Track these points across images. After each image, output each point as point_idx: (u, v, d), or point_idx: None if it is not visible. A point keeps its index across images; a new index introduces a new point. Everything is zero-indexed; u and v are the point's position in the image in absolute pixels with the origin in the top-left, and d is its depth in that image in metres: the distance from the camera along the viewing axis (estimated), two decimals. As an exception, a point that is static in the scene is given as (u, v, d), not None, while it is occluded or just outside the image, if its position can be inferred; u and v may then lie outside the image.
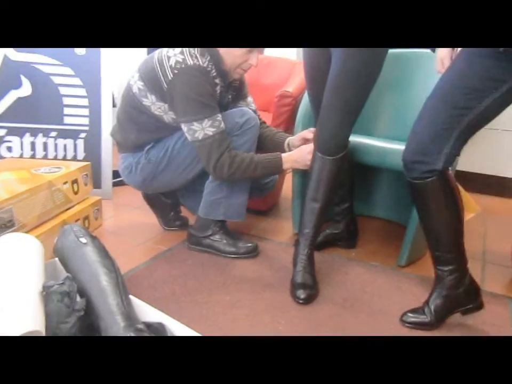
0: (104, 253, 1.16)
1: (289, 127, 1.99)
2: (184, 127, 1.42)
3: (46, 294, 1.00)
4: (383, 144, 1.58)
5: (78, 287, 1.05)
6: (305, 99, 1.79)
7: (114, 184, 2.25)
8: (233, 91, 1.58)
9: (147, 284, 1.40)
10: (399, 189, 2.01)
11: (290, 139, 1.61)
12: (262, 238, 1.80)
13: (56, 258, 1.22)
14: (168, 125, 1.52)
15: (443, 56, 1.14)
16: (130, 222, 1.92)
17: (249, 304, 1.32)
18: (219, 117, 1.42)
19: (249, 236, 1.80)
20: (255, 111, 1.65)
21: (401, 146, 1.54)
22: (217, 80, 1.47)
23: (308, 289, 1.35)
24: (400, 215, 2.05)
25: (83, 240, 1.17)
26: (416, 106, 1.70)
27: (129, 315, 1.02)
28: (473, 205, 1.32)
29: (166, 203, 1.81)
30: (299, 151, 1.49)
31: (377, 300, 1.38)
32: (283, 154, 1.48)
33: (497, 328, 1.28)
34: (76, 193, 1.70)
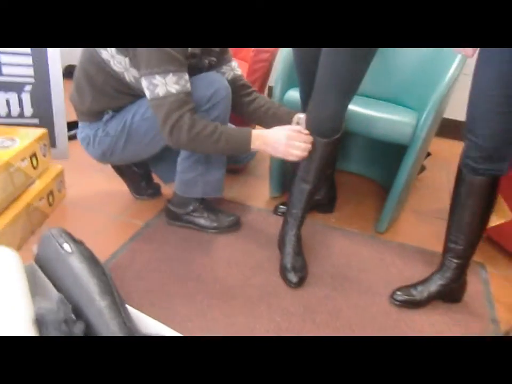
0: (92, 260, 1.07)
1: (264, 84, 1.86)
2: (144, 82, 1.23)
3: (40, 322, 0.92)
4: (370, 112, 1.52)
5: (72, 307, 0.97)
6: (283, 54, 1.65)
7: (70, 138, 2.04)
8: (213, 56, 1.41)
9: (132, 273, 1.33)
10: (375, 146, 2.00)
11: (301, 117, 1.40)
12: (239, 204, 1.75)
13: (34, 263, 1.12)
14: (128, 87, 1.34)
15: None
16: (96, 190, 1.78)
17: (242, 292, 1.30)
18: (186, 76, 1.25)
19: (225, 202, 1.74)
20: (240, 77, 1.50)
21: (390, 116, 1.51)
22: None
23: (298, 272, 1.35)
24: (374, 172, 2.07)
25: (67, 248, 1.06)
26: (401, 65, 1.61)
27: (132, 332, 0.97)
28: (506, 211, 1.33)
29: (136, 172, 1.68)
30: (274, 135, 1.28)
31: (363, 276, 1.42)
32: (254, 131, 1.28)
33: (471, 299, 1.37)
34: (35, 168, 1.52)
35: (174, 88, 1.22)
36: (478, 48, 1.06)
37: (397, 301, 1.31)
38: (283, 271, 1.37)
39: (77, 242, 1.10)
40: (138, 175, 1.69)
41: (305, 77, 1.43)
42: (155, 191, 1.75)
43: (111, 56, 1.27)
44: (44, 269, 1.08)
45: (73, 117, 1.60)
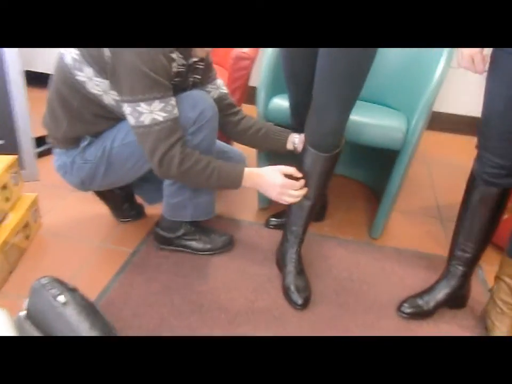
0: (90, 310, 0.99)
1: (244, 93, 1.78)
2: (127, 108, 1.14)
3: None
4: (358, 118, 1.47)
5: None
6: (267, 59, 1.57)
7: (39, 155, 1.90)
8: (198, 74, 1.32)
9: (129, 310, 1.24)
10: (361, 147, 1.96)
11: (296, 138, 1.37)
12: (229, 219, 1.69)
13: (22, 314, 1.02)
14: (107, 111, 1.23)
15: (473, 54, 1.01)
16: (73, 215, 1.66)
17: (248, 320, 1.24)
18: (172, 100, 1.16)
19: (214, 218, 1.66)
20: (226, 96, 1.41)
21: (380, 122, 1.48)
22: (173, 55, 1.19)
23: (302, 292, 1.30)
24: (361, 174, 2.04)
25: (61, 299, 0.97)
26: (386, 64, 1.56)
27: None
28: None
29: (118, 194, 1.57)
30: (269, 180, 1.24)
31: (366, 289, 1.39)
32: (247, 170, 1.23)
33: (474, 302, 1.37)
34: (7, 200, 1.39)
35: (161, 116, 1.13)
36: (487, 65, 1.04)
37: (405, 313, 1.29)
38: (287, 292, 1.32)
39: (71, 290, 1.01)
40: (120, 198, 1.58)
41: (294, 81, 1.37)
42: (138, 212, 1.65)
43: (88, 78, 1.16)
44: (35, 323, 0.98)
45: (40, 131, 1.47)
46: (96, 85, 1.17)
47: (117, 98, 1.18)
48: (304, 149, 1.26)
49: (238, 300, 1.31)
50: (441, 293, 1.29)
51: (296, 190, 1.25)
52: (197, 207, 1.38)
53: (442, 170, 2.24)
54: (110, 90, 1.18)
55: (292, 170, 1.25)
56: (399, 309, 1.30)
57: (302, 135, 1.33)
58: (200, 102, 1.22)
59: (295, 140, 1.37)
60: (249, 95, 1.43)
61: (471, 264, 1.26)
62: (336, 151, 1.23)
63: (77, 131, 1.27)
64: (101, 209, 1.64)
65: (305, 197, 1.29)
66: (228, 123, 1.41)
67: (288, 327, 1.23)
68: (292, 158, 1.86)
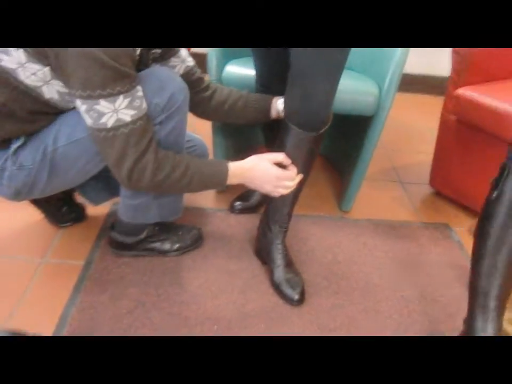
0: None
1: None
2: (82, 106, 0.88)
3: None
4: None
5: None
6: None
7: None
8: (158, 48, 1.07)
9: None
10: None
11: (281, 103, 1.18)
12: (188, 209, 1.48)
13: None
14: (48, 106, 0.96)
15: None
16: (4, 226, 1.34)
17: (244, 326, 1.09)
18: (139, 91, 0.92)
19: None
20: (194, 69, 1.18)
21: (349, 87, 1.35)
22: None
23: (296, 287, 1.18)
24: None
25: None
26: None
27: None
28: None
29: (55, 196, 1.29)
30: (262, 175, 1.06)
31: (356, 269, 1.31)
32: (231, 166, 1.04)
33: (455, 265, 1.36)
34: None
35: (128, 115, 0.89)
36: None
37: None
38: (279, 288, 1.18)
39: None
40: (58, 200, 1.30)
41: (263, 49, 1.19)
42: (79, 214, 1.38)
43: (19, 64, 0.87)
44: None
45: None
46: (32, 73, 0.88)
47: (64, 90, 0.91)
48: (284, 128, 1.09)
49: (226, 306, 1.14)
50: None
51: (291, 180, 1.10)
52: (163, 206, 1.16)
53: (390, 130, 2.21)
54: (52, 80, 0.90)
55: (281, 157, 1.08)
56: None
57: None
58: (168, 83, 0.98)
59: (279, 106, 1.20)
60: (199, 63, 1.21)
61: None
62: (323, 130, 1.08)
63: (5, 132, 0.97)
64: (32, 214, 1.34)
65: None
66: (200, 101, 1.19)
67: (290, 326, 1.10)
68: (249, 131, 1.69)
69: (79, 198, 1.38)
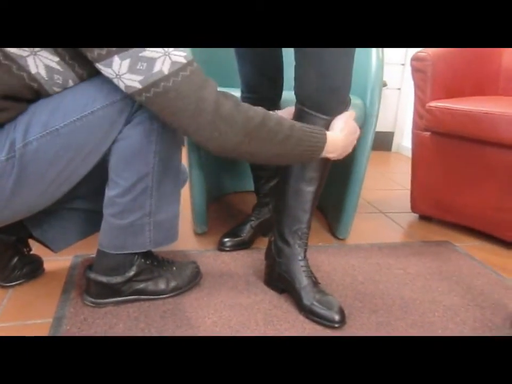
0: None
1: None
2: (123, 63, 0.68)
3: None
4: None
5: None
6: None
7: None
8: None
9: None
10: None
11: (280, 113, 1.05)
12: (170, 252, 1.24)
13: None
14: (27, 86, 0.74)
15: None
16: None
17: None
18: None
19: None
20: None
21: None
22: None
23: (333, 306, 0.96)
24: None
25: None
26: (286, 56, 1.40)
27: None
28: None
29: (4, 242, 0.99)
30: (345, 137, 0.92)
31: (385, 289, 1.14)
32: (329, 133, 0.89)
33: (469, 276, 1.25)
34: None
35: (181, 56, 0.71)
36: None
37: None
38: (312, 312, 0.96)
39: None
40: (6, 249, 1.00)
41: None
42: (35, 267, 1.08)
43: None
44: None
45: None
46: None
47: (54, 66, 0.73)
48: (299, 115, 0.96)
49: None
50: None
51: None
52: (158, 228, 0.93)
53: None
54: (42, 51, 0.71)
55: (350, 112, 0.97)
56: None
57: (288, 108, 1.05)
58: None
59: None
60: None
61: None
62: (346, 112, 0.98)
63: None
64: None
65: (304, 179, 0.99)
66: None
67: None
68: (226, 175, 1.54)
69: (33, 246, 1.08)
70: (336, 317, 0.94)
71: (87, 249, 1.20)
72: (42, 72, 0.73)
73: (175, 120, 0.73)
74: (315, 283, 1.01)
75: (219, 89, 0.76)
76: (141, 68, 0.68)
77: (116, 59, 0.67)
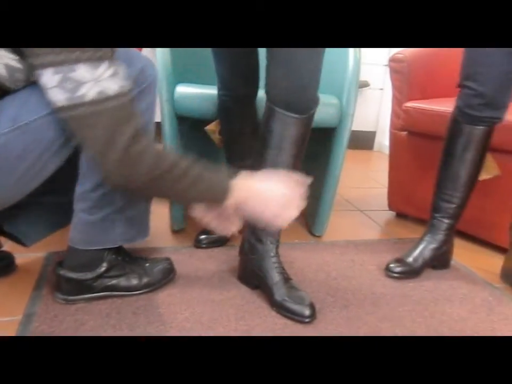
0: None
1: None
2: (53, 77, 0.68)
3: None
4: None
5: None
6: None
7: None
8: None
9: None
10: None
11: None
12: (144, 249, 1.24)
13: None
14: None
15: None
16: None
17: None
18: (122, 67, 0.75)
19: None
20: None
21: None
22: None
23: (304, 301, 0.98)
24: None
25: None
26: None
27: None
28: (495, 167, 1.26)
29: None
30: (271, 192, 0.84)
31: (357, 284, 1.15)
32: (238, 181, 0.84)
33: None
34: None
35: (114, 86, 0.71)
36: None
37: (395, 272, 1.18)
38: (283, 307, 0.97)
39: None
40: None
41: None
42: (6, 263, 1.07)
43: None
44: None
45: None
46: None
47: (14, 64, 0.72)
48: (269, 114, 0.98)
49: (227, 335, 0.90)
50: (428, 250, 1.21)
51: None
52: (130, 224, 0.94)
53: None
54: (1, 51, 0.71)
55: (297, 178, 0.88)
56: (386, 269, 1.19)
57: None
58: (136, 56, 0.84)
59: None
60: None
61: (457, 215, 1.20)
62: (313, 111, 0.99)
63: None
64: None
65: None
66: None
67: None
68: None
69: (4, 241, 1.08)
70: (307, 312, 0.95)
71: (60, 245, 1.19)
72: (2, 71, 0.73)
73: (84, 146, 0.75)
74: (287, 279, 1.02)
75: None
76: (68, 86, 0.68)
77: (49, 72, 0.68)
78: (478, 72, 1.04)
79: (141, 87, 0.83)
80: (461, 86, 1.10)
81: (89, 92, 0.69)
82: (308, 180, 0.88)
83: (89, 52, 0.68)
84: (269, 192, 0.84)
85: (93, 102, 0.69)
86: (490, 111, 1.07)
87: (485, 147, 1.14)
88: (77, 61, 0.67)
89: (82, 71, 0.68)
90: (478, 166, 1.15)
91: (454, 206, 1.18)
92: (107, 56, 0.70)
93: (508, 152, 1.31)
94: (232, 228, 0.89)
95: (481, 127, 1.09)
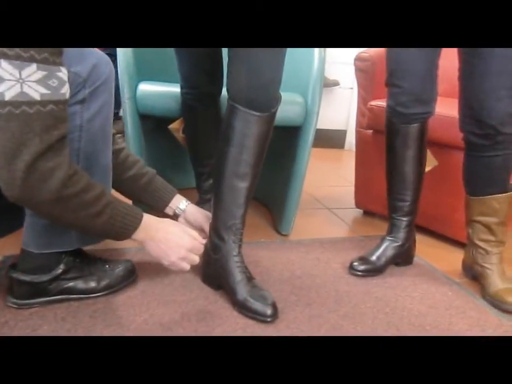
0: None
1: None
2: None
3: None
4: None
5: None
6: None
7: None
8: None
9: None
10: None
11: (184, 204, 1.14)
12: (105, 250, 1.21)
13: None
14: None
15: None
16: None
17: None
18: (63, 74, 0.70)
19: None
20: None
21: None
22: None
23: (266, 300, 0.97)
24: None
25: None
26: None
27: None
28: (431, 159, 1.30)
29: None
30: (176, 240, 0.91)
31: (322, 282, 1.15)
32: (147, 218, 0.88)
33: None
34: None
35: (37, 92, 0.67)
36: None
37: (358, 270, 1.19)
38: (245, 306, 0.97)
39: None
40: None
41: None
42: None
43: None
44: None
45: None
46: None
47: None
48: (230, 112, 0.97)
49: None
50: (389, 248, 1.23)
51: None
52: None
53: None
54: None
55: (195, 234, 0.96)
56: (350, 267, 1.21)
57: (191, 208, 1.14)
58: (89, 52, 0.81)
59: (180, 205, 1.12)
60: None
61: (413, 210, 1.23)
62: (275, 109, 0.99)
63: None
64: None
65: (238, 176, 0.99)
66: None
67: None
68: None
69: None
70: (269, 311, 0.95)
71: (16, 249, 1.15)
72: None
73: None
74: (249, 278, 1.01)
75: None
76: None
77: None
78: (400, 69, 1.08)
79: (93, 86, 0.80)
80: (387, 84, 1.14)
81: (7, 91, 0.65)
82: (204, 241, 0.99)
83: (16, 50, 0.64)
84: (173, 242, 0.90)
85: (9, 103, 0.65)
86: (420, 106, 1.11)
87: (423, 142, 1.18)
88: (1, 55, 0.64)
89: (4, 67, 0.64)
90: (421, 161, 1.19)
91: (408, 203, 1.21)
92: (42, 57, 0.66)
93: (447, 145, 1.36)
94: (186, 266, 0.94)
95: (415, 124, 1.13)
